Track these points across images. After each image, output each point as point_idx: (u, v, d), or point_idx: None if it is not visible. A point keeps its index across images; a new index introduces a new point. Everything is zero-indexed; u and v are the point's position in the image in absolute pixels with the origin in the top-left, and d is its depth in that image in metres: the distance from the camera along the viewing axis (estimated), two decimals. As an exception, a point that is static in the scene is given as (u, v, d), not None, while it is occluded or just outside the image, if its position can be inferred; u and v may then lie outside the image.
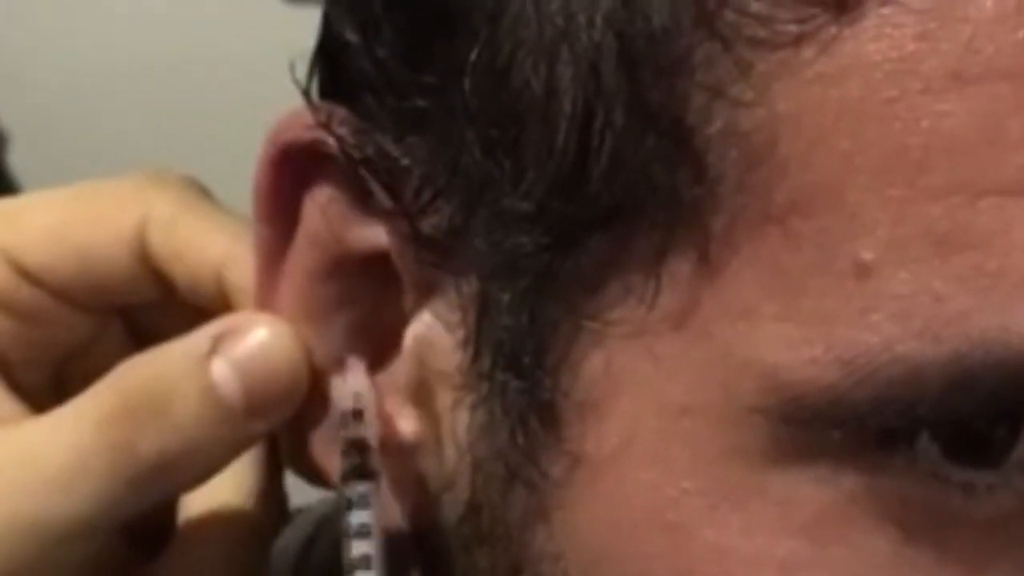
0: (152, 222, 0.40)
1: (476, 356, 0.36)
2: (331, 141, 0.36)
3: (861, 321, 0.31)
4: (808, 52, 0.31)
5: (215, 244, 0.40)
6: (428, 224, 0.36)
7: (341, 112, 0.37)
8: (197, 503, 0.40)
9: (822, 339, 0.31)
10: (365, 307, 0.38)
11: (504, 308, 0.35)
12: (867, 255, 0.31)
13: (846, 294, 0.31)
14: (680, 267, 0.33)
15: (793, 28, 0.31)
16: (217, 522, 0.40)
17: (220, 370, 0.38)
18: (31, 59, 1.84)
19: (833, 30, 0.31)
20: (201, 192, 0.41)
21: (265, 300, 0.39)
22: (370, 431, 0.37)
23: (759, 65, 0.31)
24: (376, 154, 0.36)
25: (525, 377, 0.35)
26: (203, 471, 0.39)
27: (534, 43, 0.33)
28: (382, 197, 0.36)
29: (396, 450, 0.38)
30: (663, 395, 0.33)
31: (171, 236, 0.40)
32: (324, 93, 0.38)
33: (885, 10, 0.31)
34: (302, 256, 0.38)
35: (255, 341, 0.38)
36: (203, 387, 0.38)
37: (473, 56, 0.34)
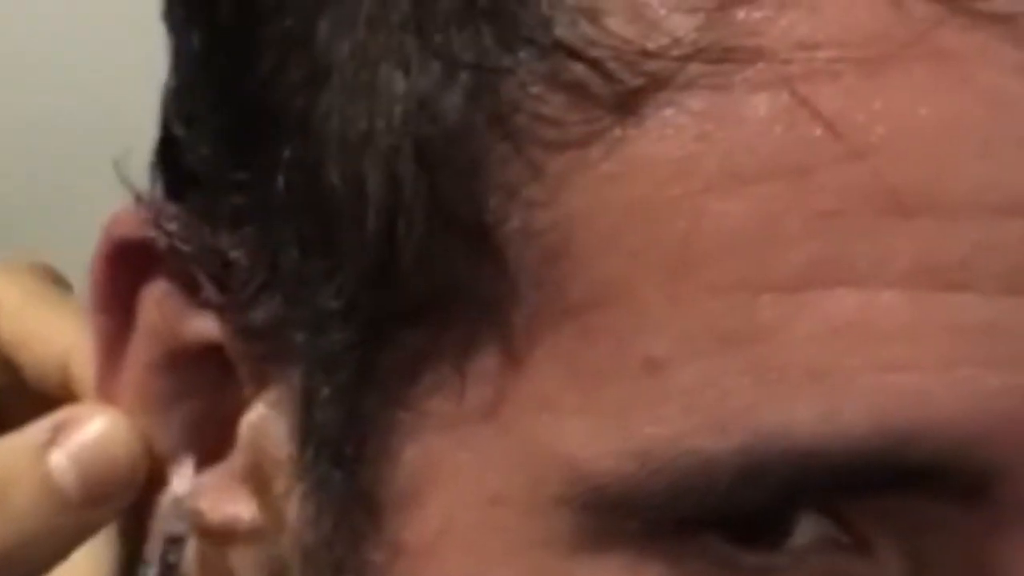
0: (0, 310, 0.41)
1: (302, 447, 0.36)
2: (161, 238, 0.37)
3: (653, 415, 0.32)
4: (596, 152, 0.32)
5: (61, 334, 0.41)
6: (255, 316, 0.37)
7: (171, 208, 0.38)
8: None
9: (618, 432, 0.32)
10: (203, 398, 0.39)
11: (325, 401, 0.36)
12: (657, 350, 0.32)
13: (639, 388, 0.32)
14: (486, 360, 0.33)
15: (581, 129, 0.32)
16: None
17: (58, 460, 0.39)
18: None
19: (618, 131, 0.32)
20: (52, 281, 0.42)
21: (106, 390, 0.39)
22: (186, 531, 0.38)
23: (550, 165, 0.32)
24: (203, 248, 0.37)
25: (347, 468, 0.36)
26: (43, 560, 0.39)
27: (340, 144, 0.34)
28: (211, 291, 0.37)
29: (237, 537, 0.39)
30: (476, 485, 0.34)
31: (18, 324, 0.41)
32: (166, 189, 0.39)
33: (666, 112, 0.31)
34: (140, 348, 0.39)
35: (93, 432, 0.39)
36: (40, 477, 0.39)
37: (286, 154, 0.35)
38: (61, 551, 0.39)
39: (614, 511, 0.32)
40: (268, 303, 0.36)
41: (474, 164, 0.33)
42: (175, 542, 0.39)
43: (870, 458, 0.31)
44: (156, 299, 0.38)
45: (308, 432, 0.36)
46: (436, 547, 0.35)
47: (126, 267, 0.38)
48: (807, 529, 0.32)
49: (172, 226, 0.37)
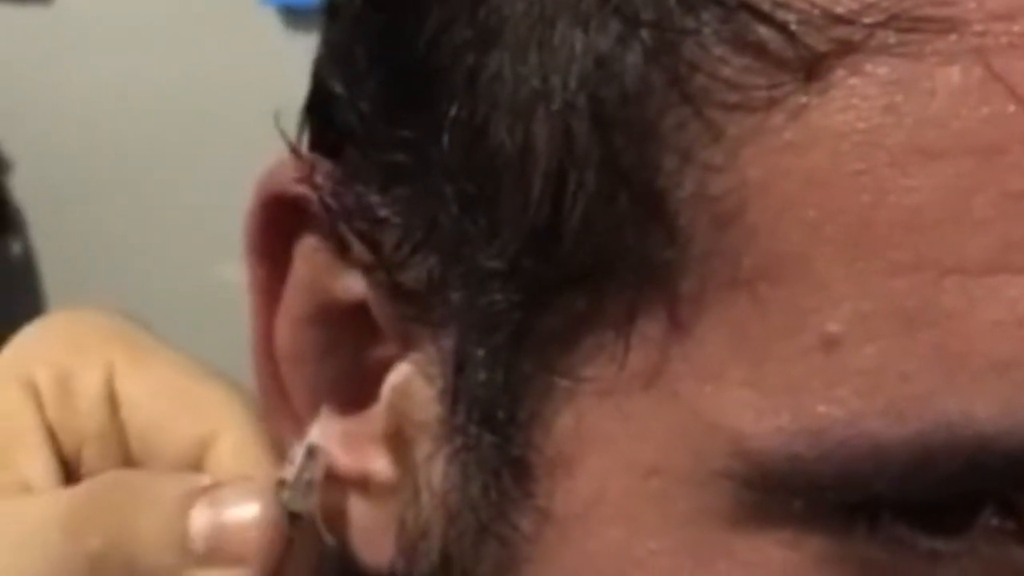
0: None
1: (452, 409, 0.36)
2: (312, 194, 0.37)
3: (827, 394, 0.31)
4: (777, 119, 0.31)
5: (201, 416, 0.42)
6: (407, 277, 0.36)
7: (325, 165, 0.37)
8: None
9: (788, 409, 0.31)
10: (348, 354, 0.38)
11: (479, 363, 0.35)
12: (834, 327, 0.31)
13: (812, 365, 0.31)
14: (650, 327, 0.33)
15: (764, 94, 0.31)
16: None
17: (198, 513, 0.39)
18: (32, 87, 1.85)
19: (803, 99, 0.31)
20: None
21: (263, 339, 0.39)
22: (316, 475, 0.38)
23: (730, 130, 0.31)
24: (357, 207, 0.37)
25: (498, 432, 0.35)
26: None
27: (510, 103, 0.33)
28: (360, 250, 0.37)
29: (373, 496, 0.38)
30: (632, 455, 0.33)
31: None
32: (314, 144, 0.39)
33: (853, 80, 0.30)
34: (292, 300, 0.38)
35: (243, 512, 0.39)
36: (175, 515, 0.39)
37: (452, 112, 0.34)
38: None
39: (778, 489, 0.31)
40: (422, 263, 0.36)
41: (650, 126, 0.32)
42: (306, 491, 0.38)
43: None
44: (307, 254, 0.38)
45: (459, 394, 0.36)
46: (587, 516, 0.34)
47: (279, 221, 0.38)
48: (983, 520, 0.31)
49: (324, 182, 0.37)
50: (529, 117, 0.33)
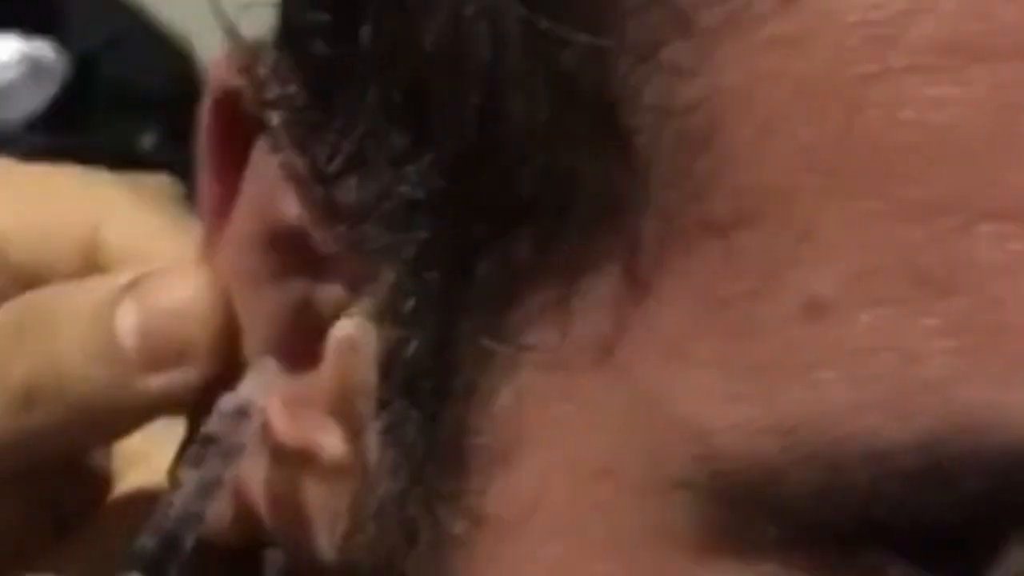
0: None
1: (383, 374, 0.29)
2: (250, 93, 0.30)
3: (808, 378, 0.23)
4: (763, 4, 0.23)
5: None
6: (341, 198, 0.29)
7: (271, 56, 0.30)
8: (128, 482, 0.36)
9: (762, 397, 0.23)
10: (298, 291, 0.31)
11: (408, 318, 0.28)
12: (823, 289, 0.23)
13: (793, 339, 0.23)
14: (603, 283, 0.25)
15: None
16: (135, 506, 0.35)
17: (124, 316, 0.33)
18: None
19: None
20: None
21: (207, 262, 0.33)
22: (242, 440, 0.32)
23: (701, 18, 0.24)
24: (288, 107, 0.30)
25: (426, 408, 0.28)
26: (94, 426, 0.34)
27: None
28: (296, 160, 0.30)
29: (325, 476, 0.31)
30: (581, 449, 0.26)
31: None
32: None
33: None
34: (241, 219, 0.32)
35: (173, 296, 0.33)
36: (99, 327, 0.33)
37: None
38: (114, 422, 0.34)
39: (748, 506, 0.24)
40: (355, 183, 0.29)
41: (600, 14, 0.24)
42: (228, 455, 0.32)
43: None
44: (257, 164, 0.31)
45: (390, 357, 0.29)
46: (525, 523, 0.27)
47: (236, 121, 0.31)
48: (1015, 558, 0.23)
49: (265, 77, 0.30)
50: (458, 8, 0.26)
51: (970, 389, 0.22)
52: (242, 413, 0.32)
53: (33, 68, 1.06)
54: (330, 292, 0.31)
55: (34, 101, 1.06)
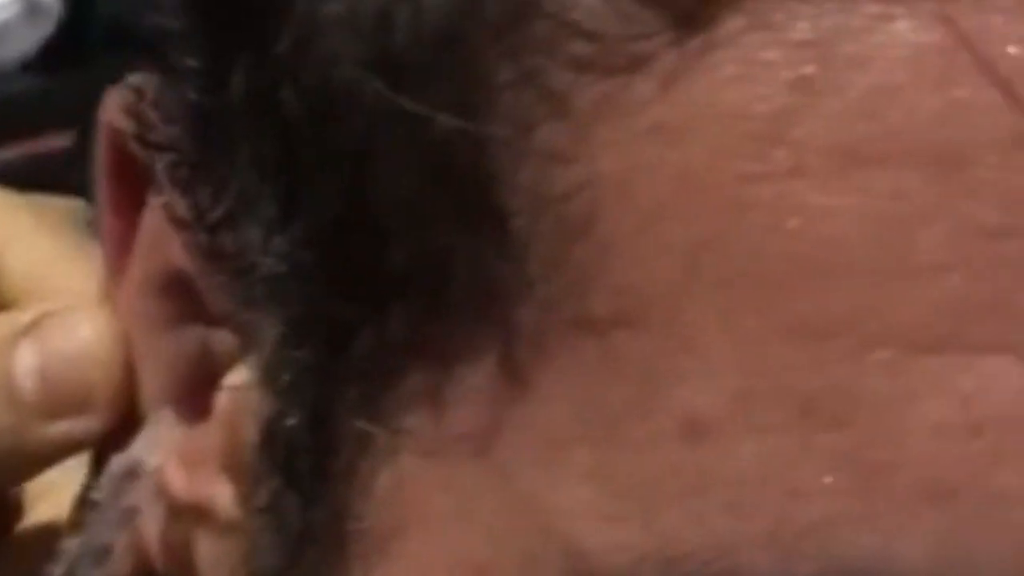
0: None
1: (261, 447, 0.27)
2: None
3: (688, 507, 0.21)
4: (644, 87, 0.21)
5: None
6: (225, 242, 0.27)
7: (157, 96, 0.28)
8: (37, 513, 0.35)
9: (640, 520, 0.21)
10: (194, 338, 0.29)
11: (287, 388, 0.26)
12: (705, 409, 0.21)
13: (671, 461, 0.21)
14: (480, 373, 0.23)
15: (625, 47, 0.21)
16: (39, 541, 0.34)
17: (23, 357, 0.32)
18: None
19: (678, 59, 0.20)
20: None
21: (109, 303, 0.31)
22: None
23: (578, 99, 0.21)
24: (170, 147, 0.28)
25: (303, 488, 0.26)
26: None
27: (304, 39, 0.24)
28: (178, 202, 0.28)
29: (220, 534, 0.29)
30: (457, 545, 0.24)
31: None
32: None
33: (752, 37, 0.20)
34: (138, 260, 0.30)
35: (74, 337, 0.32)
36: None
37: (243, 37, 0.25)
38: (14, 467, 0.33)
39: None
40: (234, 236, 0.27)
41: (468, 91, 0.22)
42: (118, 521, 0.30)
43: None
44: (155, 204, 0.29)
45: (269, 427, 0.26)
46: None
47: (129, 159, 0.29)
48: None
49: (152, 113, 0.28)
50: (322, 68, 0.23)
51: (859, 533, 0.20)
52: (132, 475, 0.30)
53: (29, 7, 1.04)
54: (225, 341, 0.29)
55: (30, 41, 1.04)
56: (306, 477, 0.26)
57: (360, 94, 0.23)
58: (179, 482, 0.30)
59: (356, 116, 0.23)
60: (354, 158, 0.23)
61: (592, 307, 0.22)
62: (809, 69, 0.20)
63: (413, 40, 0.22)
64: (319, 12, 0.23)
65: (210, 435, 0.29)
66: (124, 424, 0.31)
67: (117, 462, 0.30)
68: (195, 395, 0.29)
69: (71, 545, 0.30)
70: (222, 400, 0.29)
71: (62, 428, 0.31)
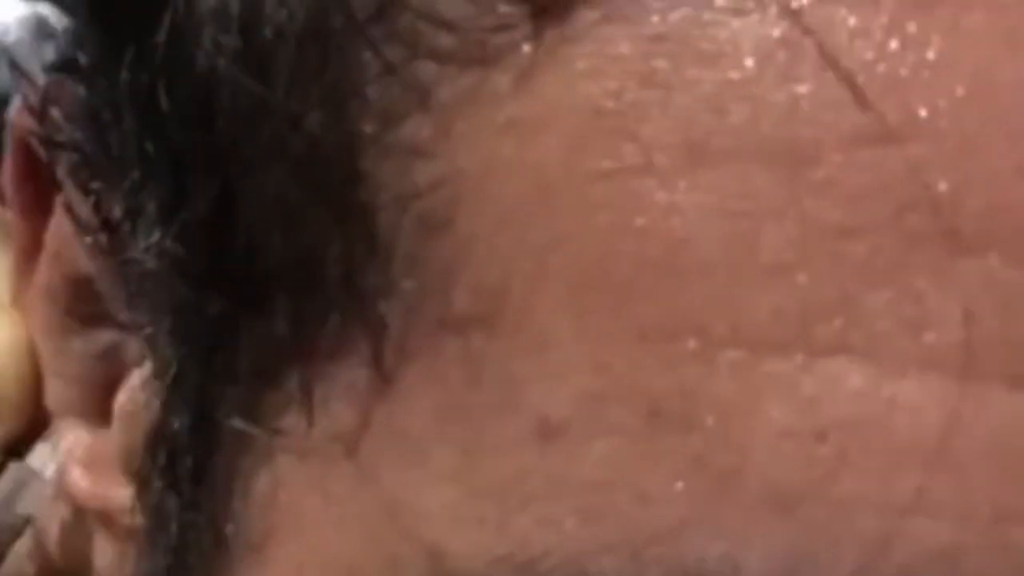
0: None
1: (146, 447, 0.27)
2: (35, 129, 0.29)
3: (540, 510, 0.20)
4: (502, 81, 0.21)
5: None
6: (132, 250, 0.27)
7: (68, 88, 0.28)
8: None
9: (496, 523, 0.21)
10: (102, 342, 0.29)
11: (170, 388, 0.26)
12: (555, 410, 0.20)
13: (526, 464, 0.21)
14: (351, 372, 0.23)
15: (485, 38, 0.20)
16: None
17: None
18: None
19: (528, 49, 0.20)
20: None
21: (17, 309, 0.31)
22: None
23: (440, 92, 0.21)
24: (71, 147, 0.28)
25: (183, 489, 0.26)
26: None
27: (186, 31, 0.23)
28: (78, 201, 0.28)
29: (118, 537, 0.29)
30: (328, 547, 0.24)
31: None
32: None
33: (606, 30, 0.20)
34: (44, 265, 0.30)
35: None
36: None
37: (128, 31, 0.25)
38: None
39: None
40: (128, 236, 0.26)
41: (335, 86, 0.22)
42: (10, 531, 0.30)
43: None
44: (59, 206, 0.29)
45: (154, 428, 0.26)
46: None
47: (37, 163, 0.29)
48: None
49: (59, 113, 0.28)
50: (197, 61, 0.23)
51: (705, 541, 0.19)
52: (26, 483, 0.30)
53: (37, 28, 1.04)
54: (128, 346, 0.29)
55: (36, 62, 1.05)
56: (187, 479, 0.26)
57: (231, 88, 0.23)
58: (82, 485, 0.30)
59: (228, 111, 0.23)
60: (226, 153, 0.23)
61: (453, 307, 0.21)
62: (660, 63, 0.19)
63: (281, 34, 0.22)
64: (194, 5, 0.23)
65: (112, 439, 0.29)
66: (27, 433, 0.31)
67: (14, 470, 0.30)
68: (100, 400, 0.29)
69: None
70: (121, 402, 0.29)
71: None
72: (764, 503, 0.19)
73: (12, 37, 0.97)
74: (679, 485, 0.19)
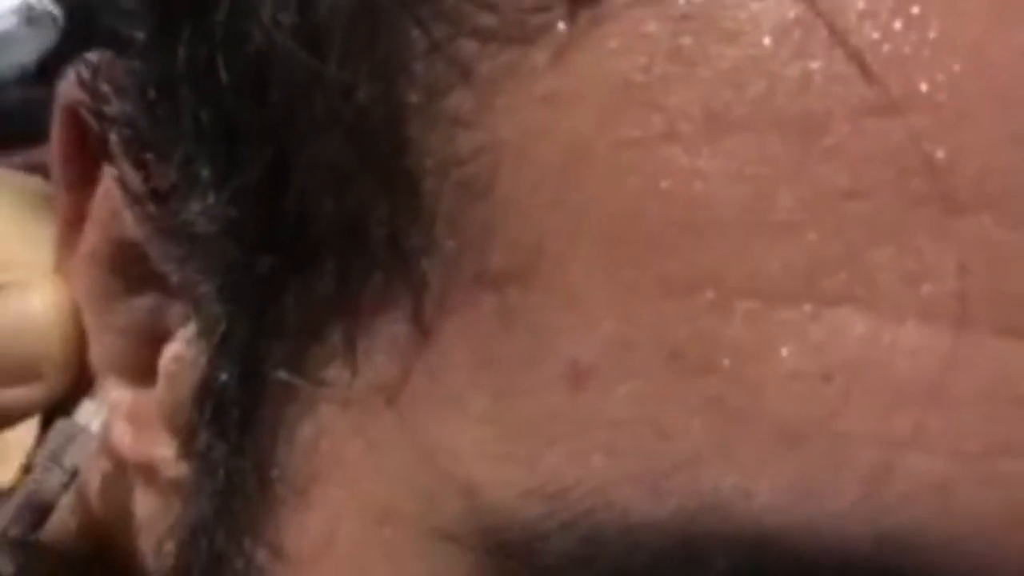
0: None
1: (196, 400, 0.28)
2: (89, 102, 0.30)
3: (569, 447, 0.22)
4: (540, 57, 0.22)
5: None
6: (175, 213, 0.28)
7: (111, 70, 0.30)
8: None
9: (527, 459, 0.23)
10: (147, 306, 0.31)
11: (221, 344, 0.28)
12: (584, 356, 0.22)
13: (556, 405, 0.23)
14: (393, 326, 0.25)
15: (524, 19, 0.22)
16: None
17: None
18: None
19: (568, 31, 0.22)
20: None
21: (60, 276, 0.33)
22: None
23: (482, 67, 0.23)
24: (124, 120, 0.29)
25: (230, 440, 0.27)
26: None
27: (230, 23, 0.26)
28: (131, 174, 0.29)
29: (161, 492, 0.31)
30: (369, 490, 0.26)
31: None
32: None
33: (636, 11, 0.22)
34: (91, 233, 0.31)
35: (24, 305, 0.33)
36: None
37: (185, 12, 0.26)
38: None
39: (513, 566, 0.23)
40: (180, 204, 0.28)
41: (386, 60, 0.24)
42: (71, 475, 0.32)
43: (857, 566, 0.21)
44: (106, 177, 0.31)
45: (206, 382, 0.28)
46: (318, 561, 0.26)
47: (84, 134, 0.31)
48: None
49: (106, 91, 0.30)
50: (254, 35, 0.25)
51: (719, 472, 0.21)
52: (74, 438, 0.32)
53: (28, 17, 1.05)
54: (174, 308, 0.30)
55: (30, 51, 1.06)
56: (234, 429, 0.27)
57: (287, 62, 0.25)
58: (126, 441, 0.31)
59: (283, 83, 0.25)
60: (281, 123, 0.25)
61: (490, 264, 0.23)
62: (685, 41, 0.21)
63: (334, 12, 0.24)
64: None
65: (156, 396, 0.31)
66: (73, 391, 0.32)
67: (62, 425, 0.32)
68: (143, 359, 0.31)
69: (7, 506, 0.32)
70: (166, 360, 0.30)
71: (11, 396, 0.33)
72: (774, 438, 0.21)
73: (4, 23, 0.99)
74: (696, 422, 0.21)
